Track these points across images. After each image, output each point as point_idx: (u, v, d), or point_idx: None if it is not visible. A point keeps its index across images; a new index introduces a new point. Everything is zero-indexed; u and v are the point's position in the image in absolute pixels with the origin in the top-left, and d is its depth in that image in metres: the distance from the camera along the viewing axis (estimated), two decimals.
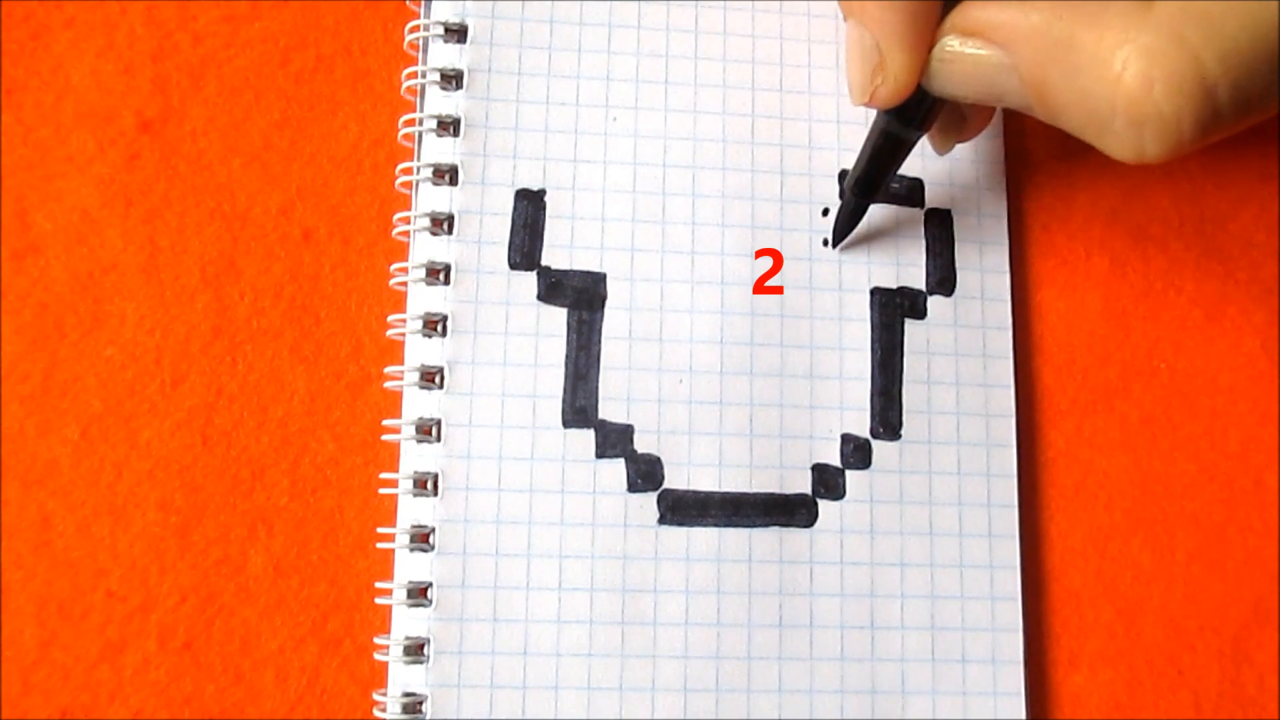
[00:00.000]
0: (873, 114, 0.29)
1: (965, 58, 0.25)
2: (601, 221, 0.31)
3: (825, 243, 0.32)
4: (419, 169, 0.31)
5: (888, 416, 0.31)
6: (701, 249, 0.31)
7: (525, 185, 0.31)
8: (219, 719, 0.29)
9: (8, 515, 0.29)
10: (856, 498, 0.30)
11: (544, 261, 0.31)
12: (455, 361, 0.30)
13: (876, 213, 0.32)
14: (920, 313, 0.32)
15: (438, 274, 0.30)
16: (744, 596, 0.30)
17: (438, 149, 0.31)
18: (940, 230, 0.32)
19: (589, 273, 0.31)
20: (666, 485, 0.30)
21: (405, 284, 0.30)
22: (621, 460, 0.30)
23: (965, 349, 0.32)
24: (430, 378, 0.30)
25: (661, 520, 0.30)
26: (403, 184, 0.31)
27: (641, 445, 0.30)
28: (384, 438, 0.30)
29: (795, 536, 0.30)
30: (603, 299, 0.31)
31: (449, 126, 0.31)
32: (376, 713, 0.28)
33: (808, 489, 0.30)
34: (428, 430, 0.30)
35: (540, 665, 0.29)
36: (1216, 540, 0.32)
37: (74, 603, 0.29)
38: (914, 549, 0.30)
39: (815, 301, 0.31)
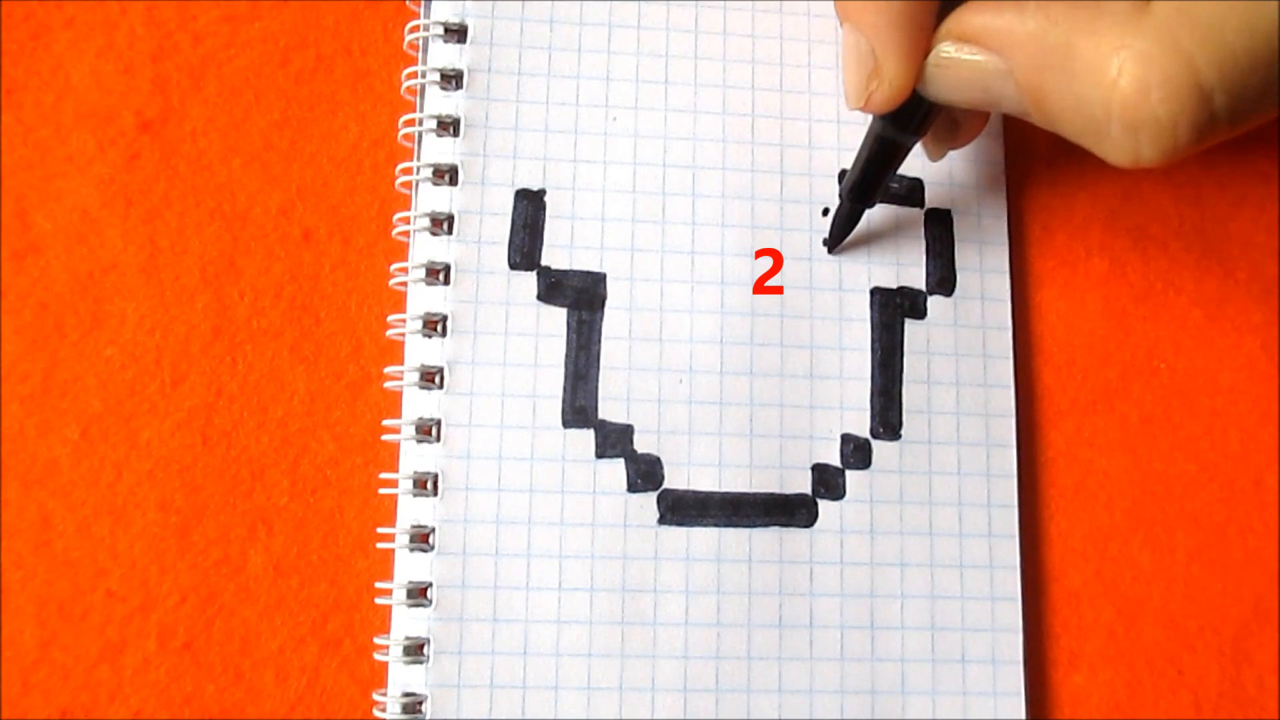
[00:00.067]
0: (871, 116, 0.29)
1: (961, 64, 0.25)
2: (601, 221, 0.31)
3: (825, 243, 0.32)
4: (419, 169, 0.31)
5: (888, 416, 0.31)
6: (701, 249, 0.31)
7: (525, 185, 0.31)
8: (219, 719, 0.29)
9: (8, 515, 0.29)
10: (856, 498, 0.30)
11: (544, 261, 0.31)
12: (455, 361, 0.30)
13: (876, 212, 0.32)
14: (920, 313, 0.32)
15: (438, 274, 0.30)
16: (744, 596, 0.30)
17: (438, 149, 0.31)
18: (940, 230, 0.32)
19: (589, 273, 0.31)
20: (666, 485, 0.30)
21: (405, 284, 0.30)
22: (621, 460, 0.30)
23: (965, 349, 0.32)
24: (430, 378, 0.30)
25: (661, 520, 0.30)
26: (403, 184, 0.31)
27: (641, 445, 0.30)
28: (384, 438, 0.30)
29: (795, 536, 0.30)
30: (603, 299, 0.31)
31: (449, 126, 0.31)
32: (376, 713, 0.28)
33: (808, 489, 0.30)
34: (428, 430, 0.30)
35: (540, 665, 0.29)
36: (1216, 540, 0.32)
37: (74, 603, 0.29)
38: (914, 549, 0.30)
39: (815, 301, 0.31)
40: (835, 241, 0.31)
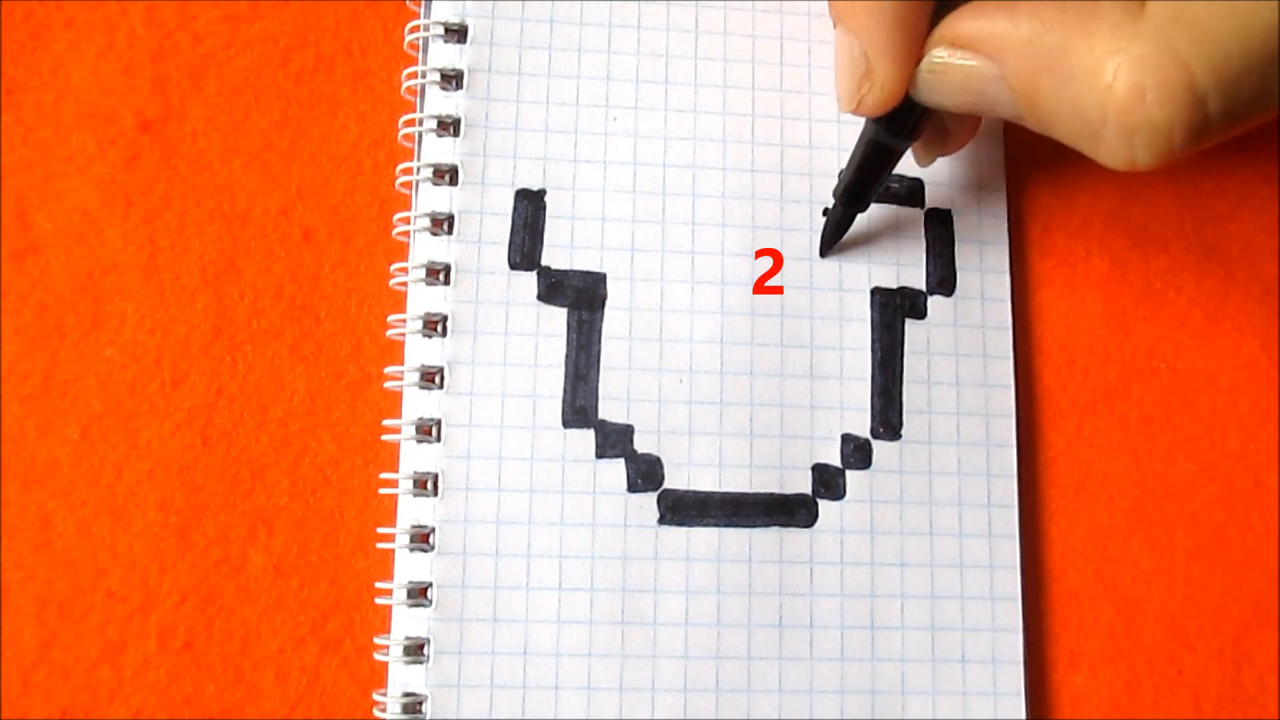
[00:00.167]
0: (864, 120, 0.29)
1: (955, 68, 0.25)
2: (601, 221, 0.31)
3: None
4: (419, 169, 0.31)
5: (888, 416, 0.31)
6: (701, 249, 0.31)
7: (525, 185, 0.31)
8: (219, 719, 0.29)
9: (8, 515, 0.29)
10: (857, 498, 0.30)
11: (544, 261, 0.31)
12: (455, 361, 0.30)
13: (876, 212, 0.32)
14: (920, 313, 0.32)
15: (438, 274, 0.30)
16: (744, 596, 0.30)
17: (438, 149, 0.31)
18: (940, 230, 0.32)
19: (589, 273, 0.31)
20: (666, 485, 0.30)
21: (405, 284, 0.30)
22: (621, 460, 0.30)
23: (965, 349, 0.32)
24: (430, 378, 0.30)
25: (661, 520, 0.30)
26: (403, 184, 0.31)
27: (641, 445, 0.30)
28: (384, 438, 0.30)
29: (795, 536, 0.30)
30: (603, 299, 0.31)
31: (449, 126, 0.31)
32: (376, 713, 0.28)
33: (808, 489, 0.30)
34: (428, 430, 0.30)
35: (540, 665, 0.29)
36: (1216, 540, 0.32)
37: (74, 603, 0.29)
38: (914, 549, 0.30)
39: (815, 301, 0.31)
40: (827, 245, 0.31)
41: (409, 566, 0.29)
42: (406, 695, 0.28)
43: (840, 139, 0.32)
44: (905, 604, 0.30)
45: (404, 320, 0.30)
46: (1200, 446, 0.32)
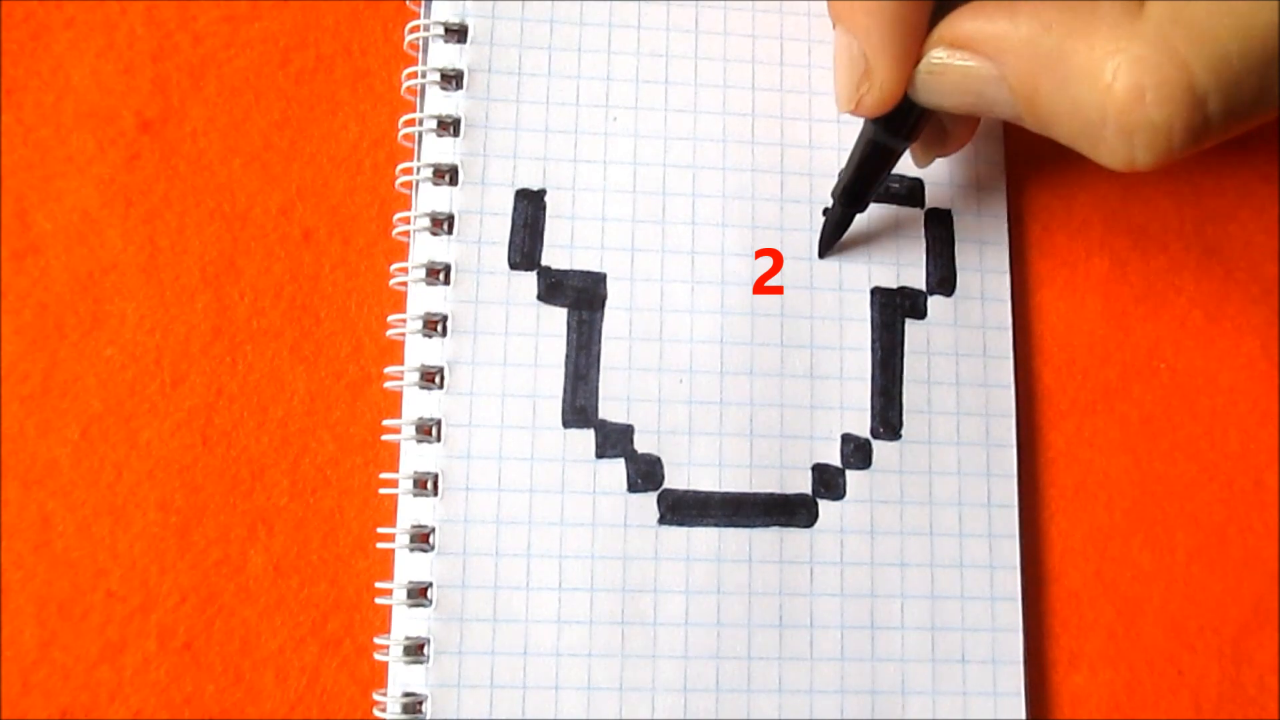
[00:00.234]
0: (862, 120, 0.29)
1: (954, 69, 0.25)
2: (602, 221, 0.31)
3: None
4: (419, 169, 0.31)
5: (888, 416, 0.31)
6: (702, 249, 0.31)
7: (525, 185, 0.31)
8: (219, 719, 0.29)
9: (8, 515, 0.29)
10: (857, 498, 0.30)
11: (544, 261, 0.31)
12: (455, 361, 0.30)
13: (876, 212, 0.32)
14: (920, 313, 0.32)
15: (438, 274, 0.30)
16: (744, 596, 0.30)
17: (438, 149, 0.31)
18: (940, 230, 0.32)
19: (589, 273, 0.31)
20: (666, 485, 0.30)
21: (405, 284, 0.30)
22: (621, 460, 0.30)
23: (965, 349, 0.32)
24: (430, 378, 0.30)
25: (661, 520, 0.30)
26: (403, 184, 0.31)
27: (641, 445, 0.30)
28: (384, 438, 0.30)
29: (795, 536, 0.30)
30: (603, 299, 0.31)
31: (449, 126, 0.31)
32: (376, 713, 0.28)
33: (808, 489, 0.30)
34: (428, 430, 0.30)
35: (540, 665, 0.29)
36: (1216, 540, 0.32)
37: (74, 603, 0.29)
38: (914, 549, 0.30)
39: (815, 301, 0.31)
40: (826, 245, 0.31)
41: (409, 566, 0.29)
42: (406, 695, 0.28)
43: (840, 139, 0.32)
44: (905, 604, 0.30)
45: (404, 320, 0.30)
46: (1200, 446, 0.32)
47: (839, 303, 0.31)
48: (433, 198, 0.31)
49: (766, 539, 0.30)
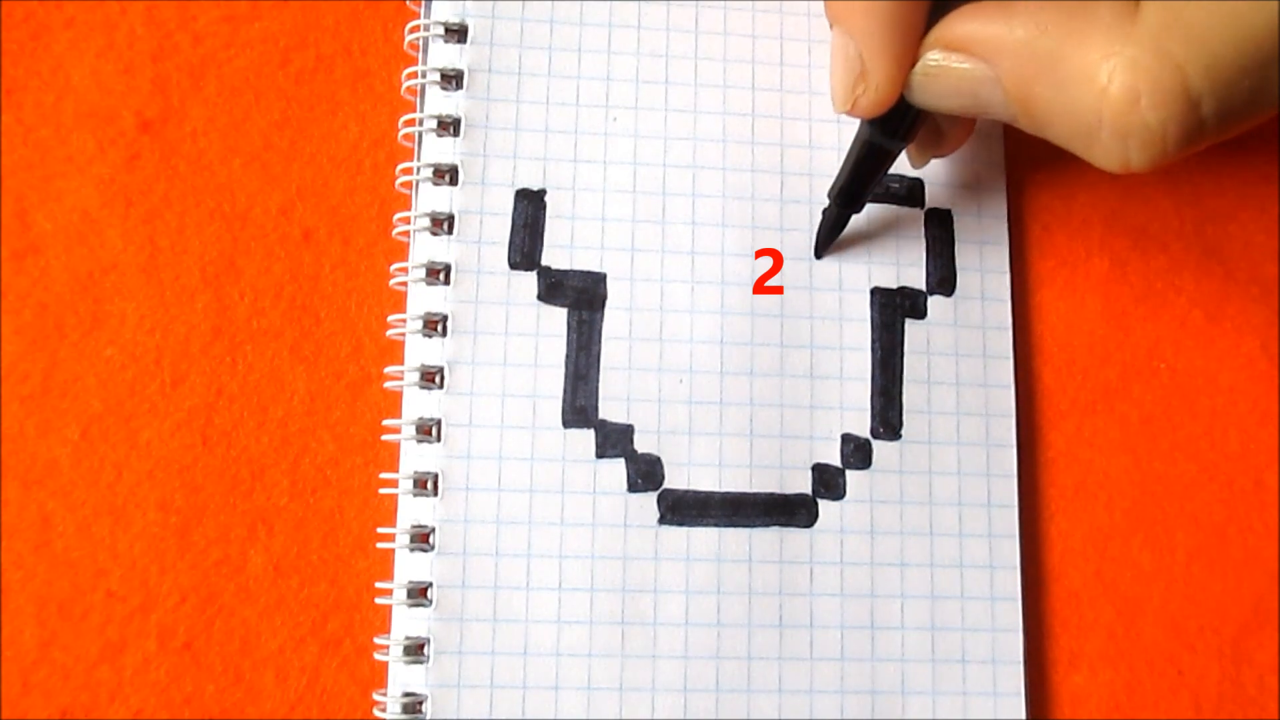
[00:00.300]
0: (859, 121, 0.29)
1: (950, 71, 0.25)
2: (602, 221, 0.31)
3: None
4: (419, 169, 0.31)
5: (888, 416, 0.31)
6: (701, 249, 0.31)
7: (525, 185, 0.31)
8: (219, 719, 0.29)
9: (8, 515, 0.29)
10: (857, 498, 0.30)
11: (544, 261, 0.31)
12: (455, 361, 0.30)
13: (877, 213, 0.32)
14: (920, 313, 0.32)
15: (438, 274, 0.30)
16: (744, 596, 0.30)
17: (438, 149, 0.31)
18: (940, 230, 0.32)
19: (589, 273, 0.31)
20: (666, 485, 0.30)
21: (405, 284, 0.30)
22: (621, 460, 0.30)
23: (965, 349, 0.32)
24: (430, 378, 0.30)
25: (661, 520, 0.30)
26: (403, 184, 0.31)
27: (641, 445, 0.30)
28: (384, 438, 0.30)
29: (795, 536, 0.30)
30: (603, 299, 0.31)
31: (449, 126, 0.31)
32: (376, 713, 0.28)
33: (808, 489, 0.30)
34: (428, 430, 0.30)
35: (540, 665, 0.29)
36: (1216, 540, 0.32)
37: (74, 603, 0.29)
38: (914, 549, 0.30)
39: (815, 301, 0.31)
40: (822, 245, 0.31)
41: (409, 566, 0.29)
42: (406, 695, 0.28)
43: (840, 139, 0.32)
44: (905, 604, 0.30)
45: (404, 320, 0.30)
46: (1200, 446, 0.32)
47: (839, 303, 0.31)
48: (433, 198, 0.31)
49: (766, 539, 0.30)
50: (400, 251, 0.31)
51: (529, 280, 0.31)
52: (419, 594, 0.29)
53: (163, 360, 0.31)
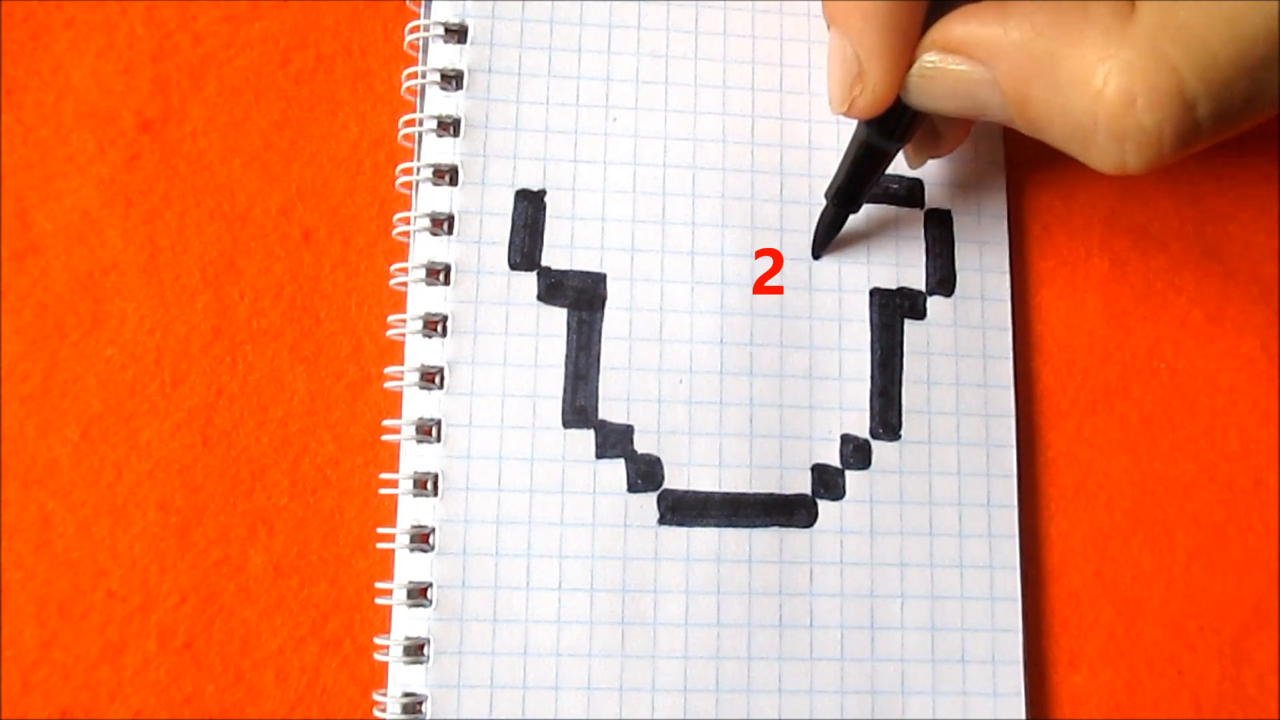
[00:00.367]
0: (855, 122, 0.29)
1: (946, 73, 0.25)
2: (601, 222, 0.31)
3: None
4: (419, 169, 0.31)
5: (887, 417, 0.31)
6: (701, 249, 0.31)
7: (525, 185, 0.31)
8: (219, 719, 0.29)
9: (8, 515, 0.29)
10: (856, 498, 0.30)
11: (544, 262, 0.31)
12: (455, 362, 0.30)
13: (876, 213, 0.32)
14: (920, 313, 0.32)
15: (438, 274, 0.30)
16: (744, 597, 0.30)
17: (438, 149, 0.31)
18: (940, 230, 0.32)
19: (589, 273, 0.31)
20: (666, 485, 0.30)
21: (405, 284, 0.30)
22: (621, 460, 0.30)
23: (965, 349, 0.32)
24: (430, 378, 0.30)
25: (661, 520, 0.30)
26: (403, 184, 0.31)
27: (641, 445, 0.30)
28: (384, 438, 0.30)
29: (795, 537, 0.30)
30: (603, 299, 0.31)
31: (449, 127, 0.31)
32: (376, 713, 0.28)
33: (808, 489, 0.30)
34: (428, 430, 0.30)
35: (540, 665, 0.29)
36: (1216, 540, 0.32)
37: (74, 603, 0.29)
38: (914, 549, 0.30)
39: (815, 302, 0.31)
40: (820, 246, 0.31)
41: (409, 566, 0.29)
42: (406, 695, 0.28)
43: (839, 140, 0.32)
44: (905, 604, 0.30)
45: (404, 320, 0.30)
46: (1200, 446, 0.32)
47: (838, 303, 0.31)
48: (433, 198, 0.31)
49: (766, 539, 0.30)
50: (400, 251, 0.31)
51: (529, 280, 0.31)
52: (419, 594, 0.29)
53: (163, 360, 0.31)
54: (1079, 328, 0.33)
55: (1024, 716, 0.30)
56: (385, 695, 0.28)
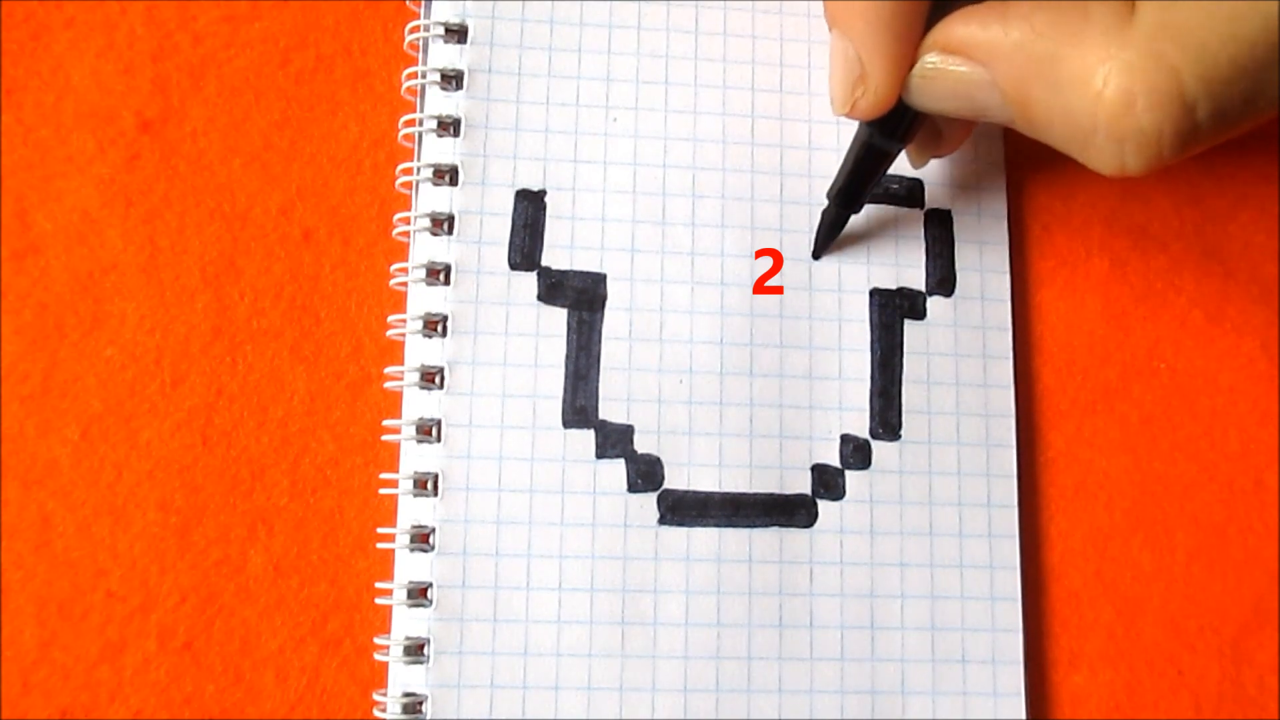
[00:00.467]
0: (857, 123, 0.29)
1: (947, 74, 0.25)
2: (602, 222, 0.31)
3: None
4: (419, 169, 0.31)
5: (887, 417, 0.31)
6: (701, 250, 0.31)
7: (525, 185, 0.31)
8: (219, 719, 0.29)
9: (8, 515, 0.29)
10: (856, 498, 0.30)
11: (544, 262, 0.31)
12: (455, 362, 0.30)
13: (876, 213, 0.32)
14: (920, 313, 0.32)
15: (438, 274, 0.30)
16: (744, 597, 0.30)
17: (438, 149, 0.31)
18: (940, 230, 0.32)
19: (589, 273, 0.31)
20: (666, 485, 0.30)
21: (405, 284, 0.30)
22: (621, 460, 0.30)
23: (965, 349, 0.32)
24: (430, 378, 0.30)
25: (661, 520, 0.30)
26: (403, 184, 0.31)
27: (641, 445, 0.30)
28: (384, 438, 0.30)
29: (795, 537, 0.30)
30: (603, 299, 0.31)
31: (449, 127, 0.31)
32: (376, 713, 0.28)
33: (808, 489, 0.30)
34: (428, 430, 0.30)
35: (540, 665, 0.29)
36: (1216, 540, 0.32)
37: (74, 603, 0.29)
38: (914, 549, 0.30)
39: (815, 302, 0.31)
40: (821, 246, 0.32)
41: (409, 566, 0.29)
42: (406, 695, 0.28)
43: (840, 140, 0.32)
44: (905, 604, 0.30)
45: (404, 320, 0.30)
46: (1200, 446, 0.32)
47: (838, 303, 0.31)
48: (433, 198, 0.31)
49: (766, 539, 0.30)
50: (400, 251, 0.31)
51: (529, 280, 0.31)
52: (419, 594, 0.29)
53: (163, 360, 0.31)
54: (1079, 328, 0.33)
55: (1024, 716, 0.30)
56: (385, 695, 0.28)
